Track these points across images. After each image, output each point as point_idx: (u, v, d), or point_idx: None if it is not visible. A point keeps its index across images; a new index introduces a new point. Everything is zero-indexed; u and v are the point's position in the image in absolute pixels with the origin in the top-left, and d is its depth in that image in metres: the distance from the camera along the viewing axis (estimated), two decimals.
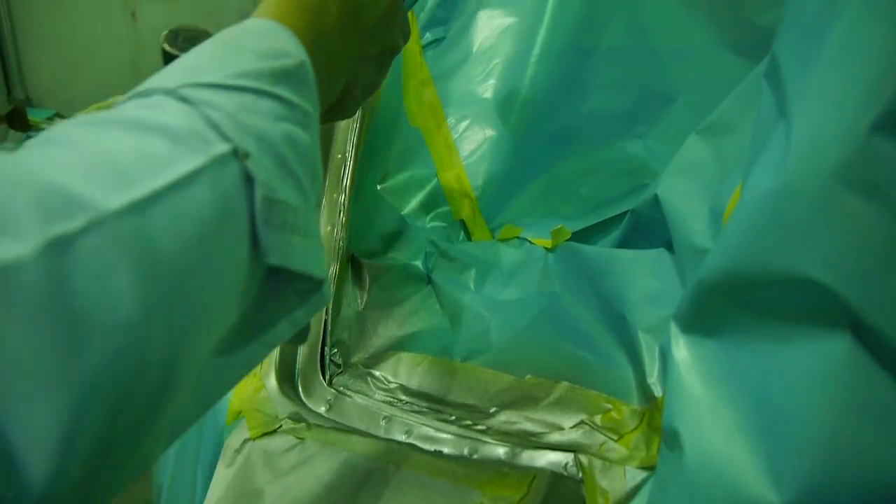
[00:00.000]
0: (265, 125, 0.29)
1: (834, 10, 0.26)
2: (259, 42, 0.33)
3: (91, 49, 4.34)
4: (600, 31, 1.04)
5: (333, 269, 0.70)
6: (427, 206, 0.88)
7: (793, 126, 0.27)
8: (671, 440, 0.34)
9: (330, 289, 0.44)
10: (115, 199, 0.23)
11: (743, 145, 0.40)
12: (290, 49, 0.33)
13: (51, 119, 3.71)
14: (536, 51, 0.98)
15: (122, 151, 0.24)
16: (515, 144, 0.94)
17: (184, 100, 0.28)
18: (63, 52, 4.29)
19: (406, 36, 0.47)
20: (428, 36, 0.99)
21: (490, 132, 0.93)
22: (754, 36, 0.96)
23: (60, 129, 0.26)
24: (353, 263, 0.74)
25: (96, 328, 0.21)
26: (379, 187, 0.86)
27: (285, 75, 0.32)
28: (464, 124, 0.94)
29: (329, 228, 0.73)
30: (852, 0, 0.25)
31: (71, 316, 0.21)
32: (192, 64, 0.31)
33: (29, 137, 3.39)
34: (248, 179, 0.27)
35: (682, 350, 0.35)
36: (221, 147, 0.27)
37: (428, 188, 0.89)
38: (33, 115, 3.63)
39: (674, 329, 0.36)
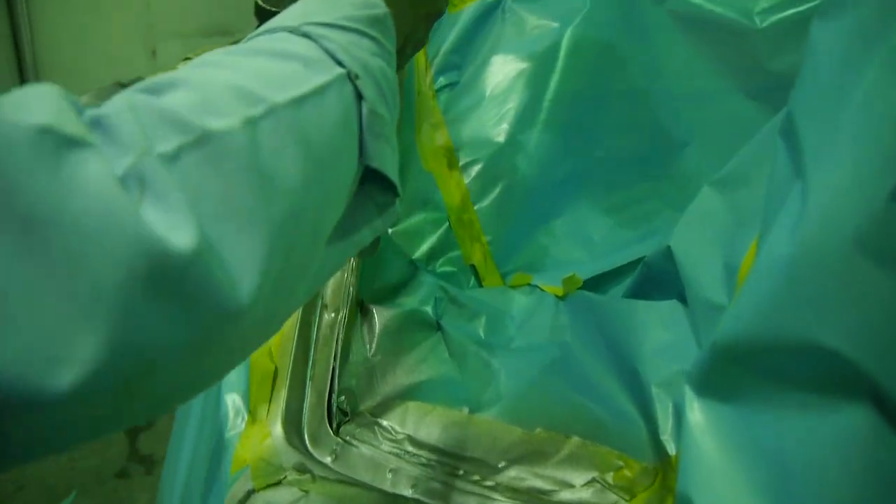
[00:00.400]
0: (367, 58, 0.37)
1: (853, 74, 0.26)
2: None
3: (111, 83, 4.43)
4: (613, 77, 1.04)
5: (343, 315, 0.69)
6: (438, 251, 0.88)
7: (809, 189, 0.27)
8: None
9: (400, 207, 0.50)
10: (280, 96, 0.30)
11: (757, 199, 0.39)
12: (377, 2, 0.40)
13: None
14: (549, 96, 0.98)
15: (271, 69, 0.32)
16: (527, 189, 0.94)
17: (305, 35, 0.35)
18: (82, 85, 4.37)
19: (446, 2, 0.53)
20: (442, 80, 1.00)
21: (502, 176, 0.93)
22: (767, 81, 0.96)
23: (211, 56, 0.33)
24: (362, 309, 0.73)
25: (277, 189, 0.28)
26: (390, 231, 0.85)
27: (377, 22, 0.39)
28: (476, 168, 0.94)
29: (339, 274, 0.72)
30: (872, 65, 0.25)
31: (263, 176, 0.28)
32: (304, 11, 0.38)
33: None
34: (358, 96, 0.35)
35: (696, 413, 0.34)
36: (339, 70, 0.34)
37: (439, 232, 0.89)
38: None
39: (688, 392, 0.35)
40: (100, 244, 0.21)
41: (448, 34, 1.02)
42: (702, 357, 0.34)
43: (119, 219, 0.22)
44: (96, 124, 0.24)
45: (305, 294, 0.36)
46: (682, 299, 0.58)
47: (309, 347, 0.67)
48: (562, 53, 1.00)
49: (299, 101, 0.31)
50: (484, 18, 1.02)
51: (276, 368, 0.66)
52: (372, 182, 0.37)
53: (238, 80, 0.30)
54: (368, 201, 0.38)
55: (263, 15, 0.59)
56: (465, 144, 0.96)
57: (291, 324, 0.68)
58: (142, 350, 0.23)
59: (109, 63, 4.62)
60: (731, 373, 0.32)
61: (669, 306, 0.59)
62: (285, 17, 0.37)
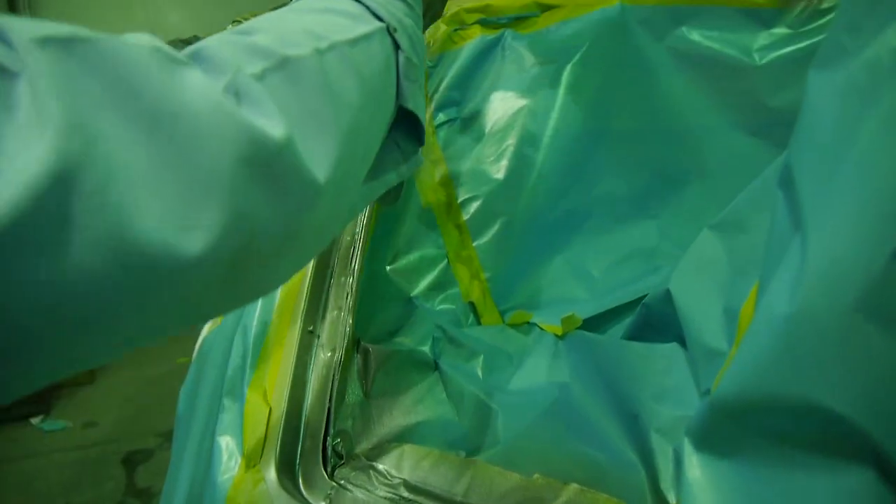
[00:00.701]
0: (401, 16, 0.43)
1: (849, 131, 0.26)
2: None
3: None
4: (613, 114, 1.04)
5: (339, 355, 0.69)
6: (437, 288, 0.87)
7: (808, 246, 0.26)
8: None
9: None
10: (338, 37, 0.36)
11: (755, 245, 0.39)
12: None
13: None
14: (549, 133, 0.98)
15: (326, 19, 0.38)
16: (527, 226, 0.94)
17: None
18: None
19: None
20: (441, 116, 1.01)
21: (501, 214, 0.93)
22: (767, 117, 0.96)
23: (268, 15, 0.37)
24: (358, 349, 0.72)
25: (341, 105, 0.34)
26: (388, 268, 0.85)
27: None
28: (475, 205, 0.94)
29: (336, 313, 0.72)
30: (868, 124, 0.25)
31: (331, 93, 0.33)
32: None
33: None
34: (396, 46, 0.41)
35: (695, 469, 0.33)
36: (380, 24, 0.40)
37: (438, 269, 0.88)
38: None
39: (687, 445, 0.34)
40: (213, 133, 0.26)
41: (448, 70, 1.02)
42: (700, 411, 0.33)
43: (226, 114, 0.27)
44: (195, 55, 0.29)
45: (350, 213, 0.43)
46: (682, 342, 0.57)
47: (304, 388, 0.66)
48: (561, 91, 1.00)
49: (352, 43, 0.37)
50: (484, 55, 1.03)
51: (271, 409, 0.65)
52: (399, 129, 0.45)
53: (304, 24, 0.35)
54: (395, 147, 0.45)
55: None
56: (465, 181, 0.96)
57: (287, 364, 0.67)
58: (248, 224, 0.27)
59: None
60: (730, 429, 0.31)
61: (669, 349, 0.58)
62: None
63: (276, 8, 0.43)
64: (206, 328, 1.49)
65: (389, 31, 0.41)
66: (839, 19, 0.29)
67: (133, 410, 3.39)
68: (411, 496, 0.58)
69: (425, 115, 0.45)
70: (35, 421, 3.24)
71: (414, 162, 0.47)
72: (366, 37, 0.38)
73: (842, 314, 0.24)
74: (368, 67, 0.37)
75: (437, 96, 1.03)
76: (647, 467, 0.52)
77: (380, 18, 0.41)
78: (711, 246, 0.54)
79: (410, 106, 0.43)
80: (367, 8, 0.41)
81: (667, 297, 0.58)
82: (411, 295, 0.84)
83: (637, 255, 1.00)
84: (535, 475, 0.55)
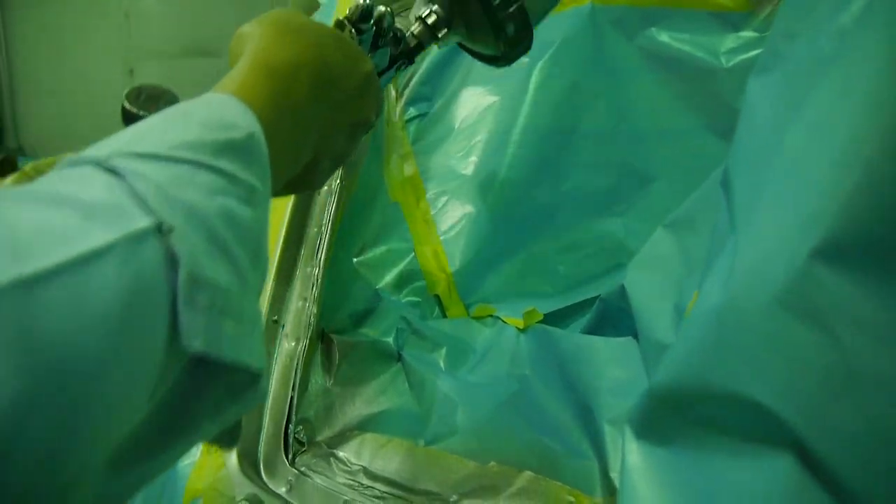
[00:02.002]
0: (199, 199, 0.27)
1: (779, 135, 0.27)
2: (208, 113, 0.32)
3: (87, 103, 4.40)
4: (581, 113, 1.06)
5: (303, 345, 0.69)
6: (403, 281, 0.88)
7: (739, 245, 0.28)
8: None
9: (268, 383, 0.43)
10: (45, 259, 0.21)
11: (703, 244, 0.40)
12: (239, 121, 0.32)
13: None
14: (518, 130, 0.99)
15: (25, 227, 0.23)
16: (494, 222, 0.95)
17: (112, 171, 0.26)
18: (59, 105, 4.34)
19: (379, 110, 0.48)
20: (412, 111, 1.01)
21: (469, 208, 0.94)
22: (733, 119, 0.97)
23: None
24: (323, 339, 0.73)
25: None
26: (355, 260, 0.86)
27: (230, 148, 0.30)
28: (443, 200, 0.95)
29: (301, 303, 0.72)
30: (796, 127, 0.26)
31: None
32: (137, 132, 0.29)
33: None
34: (172, 256, 0.25)
35: (634, 455, 0.34)
36: (142, 221, 0.25)
37: (404, 263, 0.89)
38: (24, 165, 3.64)
39: (628, 433, 0.35)
40: None
41: (419, 65, 1.03)
42: (640, 400, 0.34)
43: None
44: None
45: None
46: (636, 336, 0.59)
47: (267, 376, 0.67)
48: (531, 88, 1.01)
49: (39, 279, 0.21)
50: (455, 51, 1.03)
51: None
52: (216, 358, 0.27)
53: (11, 229, 0.22)
54: (214, 384, 0.28)
55: (129, 119, 0.56)
56: (433, 176, 0.97)
57: None
58: None
59: (86, 82, 4.59)
60: (667, 417, 0.33)
61: (624, 343, 0.60)
62: (107, 141, 0.29)
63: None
64: None
65: (162, 232, 0.25)
66: (777, 26, 0.31)
67: None
68: (370, 483, 0.59)
69: (249, 348, 0.28)
70: None
71: (251, 397, 0.29)
72: (83, 260, 0.23)
73: (765, 308, 0.26)
74: (73, 318, 0.22)
75: (407, 91, 1.04)
76: (598, 457, 0.54)
77: (149, 210, 0.25)
78: (664, 244, 0.55)
79: (200, 347, 0.25)
80: (135, 193, 0.26)
81: (622, 292, 0.60)
82: (377, 287, 0.85)
83: (602, 252, 1.02)
84: (491, 463, 0.56)
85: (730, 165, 0.33)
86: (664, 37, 1.07)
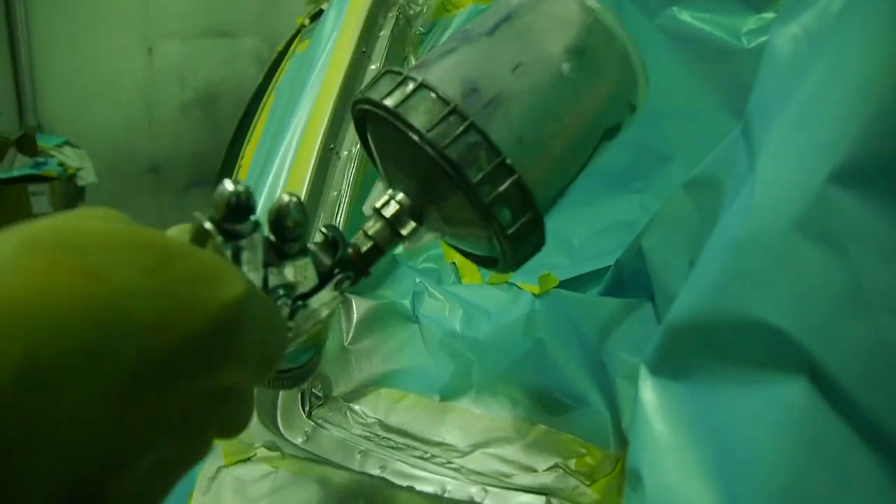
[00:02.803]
0: None
1: (800, 77, 0.28)
2: None
3: (106, 82, 4.43)
4: None
5: None
6: (420, 248, 0.89)
7: (757, 179, 0.29)
8: (634, 481, 0.34)
9: None
10: None
11: (722, 200, 0.41)
12: None
13: (60, 147, 3.76)
14: None
15: None
16: None
17: None
18: (78, 83, 4.37)
19: (272, 364, 0.27)
20: None
21: None
22: None
23: None
24: (342, 299, 0.74)
25: None
26: None
27: None
28: None
29: None
30: (816, 67, 0.27)
31: None
32: None
33: (36, 163, 3.42)
34: None
35: (649, 392, 0.35)
36: None
37: None
38: (43, 142, 3.68)
39: (643, 372, 0.36)
40: None
41: (440, 38, 1.03)
42: (656, 338, 0.35)
43: None
44: None
45: None
46: (652, 297, 0.60)
47: None
48: None
49: None
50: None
51: None
52: None
53: None
54: None
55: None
56: None
57: None
58: None
59: (105, 61, 4.62)
60: (682, 351, 0.34)
61: (638, 303, 0.61)
62: None
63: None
64: None
65: None
66: None
67: None
68: (386, 434, 0.60)
69: None
70: None
71: None
72: None
73: (782, 233, 0.27)
74: None
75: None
76: (611, 411, 0.55)
77: None
78: (682, 203, 0.56)
79: None
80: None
81: (638, 253, 0.60)
82: (394, 253, 0.86)
83: (618, 227, 1.02)
84: (506, 417, 0.57)
85: (749, 109, 0.33)
86: (685, 16, 1.07)
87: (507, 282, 0.84)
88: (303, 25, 1.50)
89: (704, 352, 0.32)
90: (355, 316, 0.73)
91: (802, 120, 0.27)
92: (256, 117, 1.54)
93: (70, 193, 3.64)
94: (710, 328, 0.31)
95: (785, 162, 0.27)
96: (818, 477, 0.27)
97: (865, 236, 0.25)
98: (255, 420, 0.61)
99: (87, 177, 3.84)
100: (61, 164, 3.55)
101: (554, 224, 1.03)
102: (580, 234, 1.00)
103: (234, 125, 2.30)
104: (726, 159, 0.52)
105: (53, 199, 3.36)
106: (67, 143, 3.86)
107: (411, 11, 1.01)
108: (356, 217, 0.80)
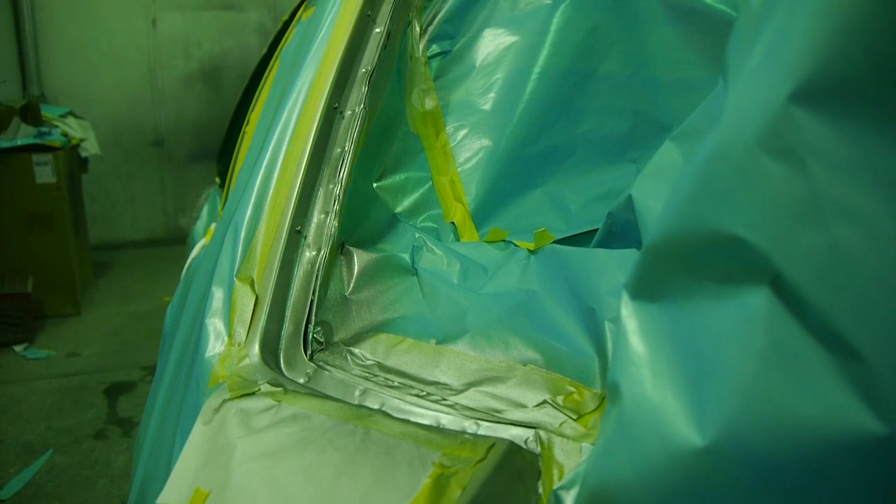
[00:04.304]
0: None
1: (770, 12, 0.30)
2: None
3: (110, 52, 4.44)
4: (600, 58, 1.08)
5: (323, 254, 0.73)
6: (420, 207, 0.92)
7: (727, 104, 0.31)
8: (613, 394, 0.37)
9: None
10: None
11: None
12: None
13: (63, 117, 3.77)
14: (537, 70, 1.02)
15: None
16: (510, 157, 0.98)
17: None
18: (82, 54, 4.38)
19: None
20: (434, 48, 1.04)
21: (486, 142, 0.97)
22: None
23: None
24: (343, 252, 0.77)
25: None
26: (375, 185, 0.89)
27: None
28: (462, 133, 0.98)
29: (322, 216, 0.76)
30: (780, 7, 0.29)
31: None
32: None
33: (40, 133, 3.43)
34: None
35: (628, 314, 0.38)
36: None
37: (422, 190, 0.93)
38: (46, 112, 3.70)
39: (624, 297, 0.39)
40: None
41: (444, 4, 1.05)
42: (636, 263, 0.38)
43: None
44: None
45: None
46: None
47: (290, 281, 0.71)
48: (552, 30, 1.04)
49: None
50: None
51: (257, 298, 0.70)
52: None
53: None
54: None
55: None
56: (453, 110, 1.00)
57: (274, 258, 0.72)
58: None
59: (109, 32, 4.61)
60: (659, 273, 0.36)
61: (628, 253, 0.63)
62: None
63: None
64: (196, 250, 1.53)
65: None
66: None
67: (117, 344, 3.45)
68: (384, 374, 0.63)
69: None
70: (18, 349, 3.28)
71: None
72: None
73: (746, 150, 0.29)
74: None
75: (431, 28, 1.06)
76: (599, 354, 0.57)
77: None
78: (671, 154, 0.58)
79: None
80: None
81: (629, 203, 0.63)
82: (395, 211, 0.88)
83: (614, 195, 1.04)
84: (498, 358, 0.60)
85: (728, 53, 0.35)
86: None
87: (504, 240, 0.87)
88: None
89: (679, 270, 0.34)
90: (356, 267, 0.75)
91: (770, 49, 0.29)
92: (261, 85, 1.55)
93: (73, 164, 3.67)
94: (684, 246, 0.33)
95: (752, 87, 0.29)
96: (776, 375, 0.29)
97: (822, 151, 0.27)
98: (259, 361, 0.64)
99: (91, 147, 3.86)
100: (65, 135, 3.56)
101: (552, 190, 1.06)
102: (577, 200, 1.02)
103: (238, 97, 2.31)
104: (711, 111, 0.54)
105: (57, 169, 3.39)
106: (71, 113, 3.87)
107: None
108: (358, 174, 0.82)
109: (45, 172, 3.38)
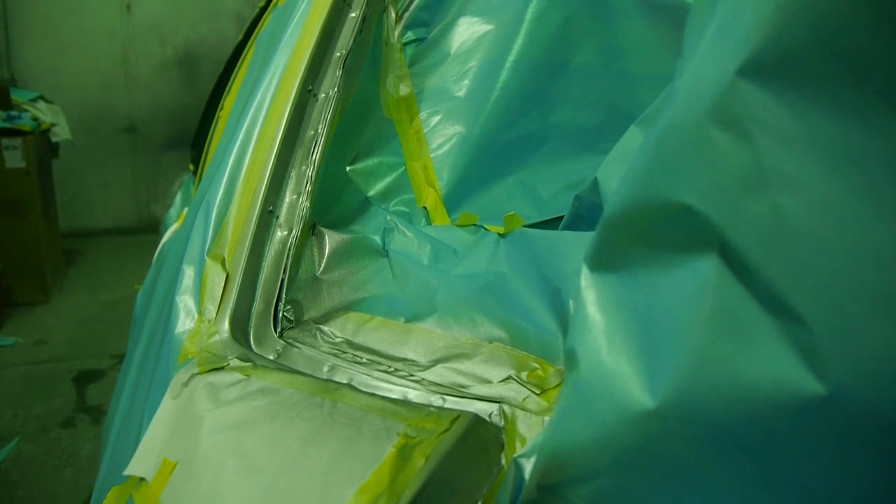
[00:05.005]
0: None
1: None
2: None
3: (82, 37, 4.37)
4: (574, 49, 1.09)
5: (295, 234, 0.74)
6: (392, 192, 0.93)
7: (681, 80, 0.32)
8: (570, 361, 0.38)
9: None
10: None
11: None
12: None
13: (34, 101, 3.71)
14: (511, 58, 1.03)
15: None
16: (483, 144, 0.99)
17: None
18: (54, 38, 4.30)
19: None
20: (410, 34, 1.04)
21: (459, 128, 0.98)
22: None
23: None
24: (315, 232, 0.78)
25: None
26: (348, 168, 0.90)
27: None
28: (435, 119, 0.98)
29: (294, 197, 0.77)
30: None
31: None
32: None
33: (9, 116, 3.37)
34: None
35: (587, 285, 0.39)
36: None
37: (395, 174, 0.93)
38: (16, 96, 3.63)
39: (584, 270, 0.40)
40: None
41: None
42: (594, 236, 0.39)
43: None
44: None
45: None
46: None
47: (261, 259, 0.72)
48: (526, 20, 1.05)
49: None
50: None
51: (228, 276, 0.70)
52: None
53: None
54: None
55: None
56: (427, 97, 1.01)
57: (245, 237, 0.72)
58: None
59: (81, 16, 4.53)
60: (616, 244, 0.37)
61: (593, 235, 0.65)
62: None
63: None
64: (167, 234, 1.52)
65: None
66: None
67: (87, 332, 3.41)
68: (353, 351, 0.63)
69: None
70: None
71: None
72: None
73: (697, 123, 0.30)
74: None
75: (407, 15, 1.07)
76: (563, 331, 0.59)
77: None
78: (634, 138, 0.60)
79: None
80: None
81: (595, 186, 0.64)
82: (368, 195, 0.89)
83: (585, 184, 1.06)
84: (465, 336, 0.61)
85: (685, 34, 0.37)
86: None
87: (474, 224, 0.88)
88: None
89: (635, 241, 0.36)
90: (328, 248, 0.76)
91: (721, 26, 0.30)
92: (236, 70, 1.55)
93: (43, 149, 3.61)
94: (639, 217, 0.35)
95: (704, 63, 0.31)
96: (723, 339, 0.31)
97: (768, 123, 0.28)
98: (228, 337, 0.64)
99: (62, 133, 3.80)
100: (35, 119, 3.50)
101: (523, 178, 1.07)
102: (548, 188, 1.04)
103: (213, 84, 2.29)
104: (669, 94, 0.55)
105: (27, 154, 3.33)
106: (42, 97, 3.81)
107: None
108: (331, 157, 0.83)
109: (14, 157, 3.33)
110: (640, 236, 0.35)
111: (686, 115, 0.31)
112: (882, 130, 0.27)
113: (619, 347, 0.35)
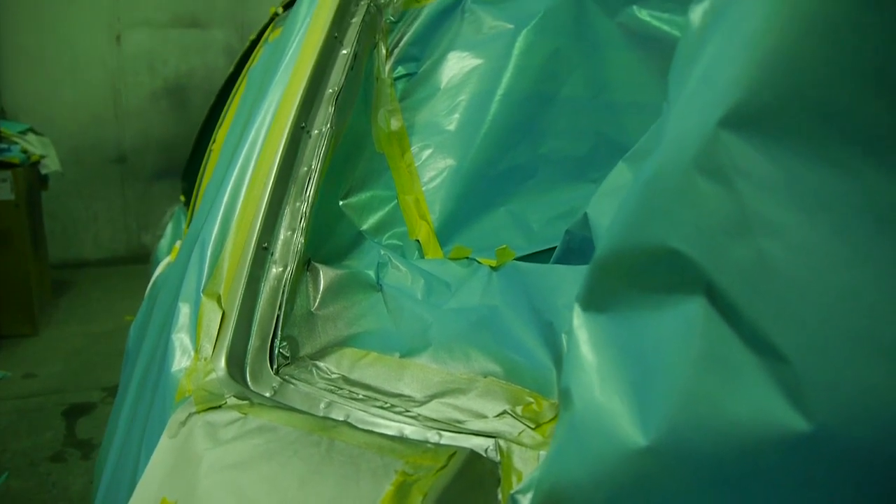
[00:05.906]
0: None
1: (706, 40, 0.33)
2: None
3: (73, 69, 4.39)
4: (562, 81, 1.12)
5: (290, 270, 0.75)
6: (385, 225, 0.94)
7: (667, 127, 0.34)
8: (565, 400, 0.39)
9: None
10: None
11: None
12: None
13: (23, 133, 3.71)
14: (500, 92, 1.05)
15: None
16: (474, 176, 1.01)
17: None
18: (44, 69, 4.32)
19: None
20: (400, 69, 1.06)
21: (450, 161, 0.99)
22: None
23: None
24: (309, 268, 0.78)
25: None
26: (341, 203, 0.91)
27: None
28: (426, 153, 1.00)
29: (289, 233, 0.78)
30: (718, 30, 0.32)
31: None
32: None
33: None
34: None
35: (579, 324, 0.40)
36: None
37: (387, 208, 0.95)
38: (6, 128, 3.63)
39: (576, 308, 0.41)
40: None
41: (410, 27, 1.08)
42: (586, 276, 0.40)
43: None
44: None
45: None
46: None
47: (256, 296, 0.72)
48: (514, 54, 1.07)
49: None
50: (444, 15, 1.09)
51: (224, 313, 0.71)
52: None
53: None
54: None
55: None
56: (418, 130, 1.03)
57: (241, 273, 0.73)
58: None
59: (72, 48, 4.55)
60: (607, 285, 0.38)
61: (585, 269, 0.66)
62: None
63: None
64: (160, 267, 1.53)
65: None
66: None
67: (77, 364, 3.38)
68: (349, 388, 0.64)
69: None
70: None
71: None
72: None
73: (683, 171, 0.32)
74: None
75: (397, 51, 1.09)
76: (556, 365, 0.60)
77: None
78: (622, 174, 0.61)
79: None
80: None
81: (585, 221, 0.65)
82: (361, 229, 0.90)
83: (575, 213, 1.07)
84: (460, 371, 0.62)
85: (670, 78, 0.38)
86: (644, 15, 1.13)
87: (467, 257, 0.89)
88: (276, 14, 1.53)
89: (624, 283, 0.37)
90: (322, 283, 0.77)
91: (705, 76, 0.32)
92: (228, 103, 1.57)
93: (32, 181, 3.61)
94: (628, 260, 0.36)
95: (688, 111, 0.32)
96: (711, 378, 0.32)
97: (749, 172, 0.30)
98: (225, 375, 0.65)
99: (51, 165, 3.80)
100: (24, 151, 3.50)
101: (514, 209, 1.08)
102: (539, 219, 1.05)
103: (204, 115, 2.31)
104: (657, 134, 0.57)
105: (16, 186, 3.33)
106: (31, 129, 3.81)
107: (382, 0, 1.05)
108: (324, 192, 0.84)
109: (3, 190, 3.32)
110: (630, 278, 0.36)
111: (672, 163, 0.32)
112: (856, 177, 0.29)
113: (612, 386, 0.36)
